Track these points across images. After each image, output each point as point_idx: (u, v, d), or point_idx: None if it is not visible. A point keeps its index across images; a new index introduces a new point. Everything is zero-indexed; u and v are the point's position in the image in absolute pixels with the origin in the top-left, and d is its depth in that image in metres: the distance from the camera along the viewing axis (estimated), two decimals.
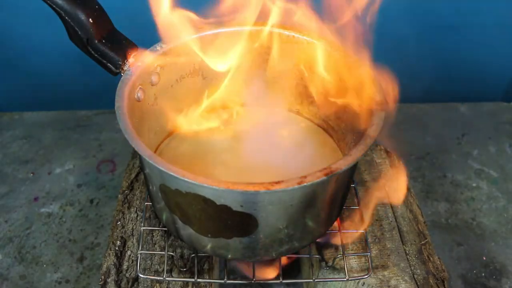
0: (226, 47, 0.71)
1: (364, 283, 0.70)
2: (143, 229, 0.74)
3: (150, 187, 0.63)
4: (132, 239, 0.74)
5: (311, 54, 0.69)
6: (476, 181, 1.15)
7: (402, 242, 0.75)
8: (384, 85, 0.60)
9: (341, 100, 0.68)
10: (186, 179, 0.50)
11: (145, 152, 0.52)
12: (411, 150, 1.21)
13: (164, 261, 0.69)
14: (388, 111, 0.57)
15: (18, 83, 1.28)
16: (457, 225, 1.05)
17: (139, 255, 0.69)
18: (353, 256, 0.71)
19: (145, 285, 0.68)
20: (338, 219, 0.72)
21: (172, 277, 0.69)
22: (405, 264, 0.72)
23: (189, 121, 0.76)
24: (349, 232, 0.72)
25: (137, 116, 0.62)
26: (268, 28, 0.69)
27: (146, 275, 0.69)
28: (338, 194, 0.63)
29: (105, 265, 0.71)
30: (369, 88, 0.61)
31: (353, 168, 0.65)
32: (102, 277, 0.70)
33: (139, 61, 0.64)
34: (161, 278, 0.67)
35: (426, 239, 0.76)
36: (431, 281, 0.70)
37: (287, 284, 0.91)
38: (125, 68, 0.62)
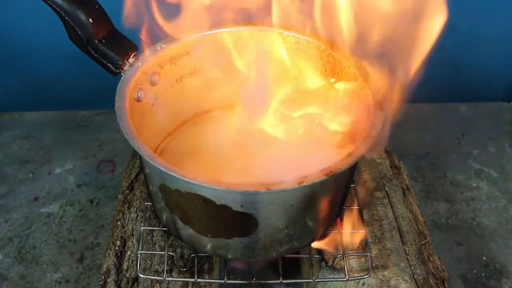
0: (226, 47, 0.71)
1: (364, 283, 0.70)
2: (143, 229, 0.74)
3: (150, 187, 0.63)
4: (132, 239, 0.74)
5: (311, 54, 0.69)
6: (476, 181, 1.15)
7: (402, 242, 0.75)
8: (385, 85, 0.60)
9: (341, 100, 0.68)
10: (186, 179, 0.50)
11: (145, 152, 0.52)
12: (411, 150, 1.21)
13: (164, 261, 0.69)
14: (391, 112, 0.57)
15: (18, 83, 1.28)
16: (457, 225, 1.05)
17: (139, 255, 0.69)
18: (353, 256, 0.71)
19: (145, 285, 0.68)
20: (338, 219, 0.72)
21: (172, 277, 0.69)
22: (405, 264, 0.72)
23: (190, 122, 0.76)
24: (349, 232, 0.72)
25: (137, 116, 0.62)
26: (269, 28, 0.69)
27: (146, 275, 0.69)
28: (338, 194, 0.63)
29: (105, 265, 0.71)
30: (369, 88, 0.61)
31: (353, 168, 0.65)
32: (102, 277, 0.70)
33: (139, 61, 0.64)
34: (161, 278, 0.67)
35: (426, 239, 0.76)
36: (431, 281, 0.70)
37: (287, 284, 0.91)
38: (125, 68, 0.62)
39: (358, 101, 0.64)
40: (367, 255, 0.70)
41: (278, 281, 0.68)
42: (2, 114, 1.31)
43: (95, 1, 0.61)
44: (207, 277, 0.70)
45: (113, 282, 0.69)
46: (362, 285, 0.70)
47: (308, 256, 0.71)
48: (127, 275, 0.70)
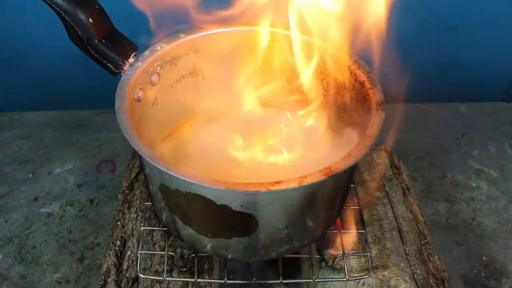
0: (227, 47, 0.71)
1: (364, 283, 0.70)
2: (143, 229, 0.74)
3: (150, 187, 0.63)
4: (132, 239, 0.74)
5: (311, 53, 0.69)
6: (476, 181, 1.15)
7: (402, 242, 0.75)
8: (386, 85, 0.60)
9: (341, 100, 0.68)
10: (186, 179, 0.50)
11: (145, 152, 0.52)
12: (411, 150, 1.21)
13: (164, 261, 0.69)
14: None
15: (18, 83, 1.28)
16: (457, 225, 1.05)
17: (139, 255, 0.69)
18: (353, 256, 0.71)
19: (145, 285, 0.68)
20: (338, 219, 0.72)
21: (172, 277, 0.69)
22: (405, 264, 0.72)
23: (190, 122, 0.76)
24: (349, 232, 0.72)
25: (137, 116, 0.62)
26: (269, 28, 0.69)
27: (146, 275, 0.69)
28: (338, 194, 0.63)
29: (105, 265, 0.71)
30: (369, 88, 0.61)
31: (353, 168, 0.65)
32: (102, 277, 0.70)
33: (139, 61, 0.64)
34: (161, 278, 0.67)
35: (426, 239, 0.76)
36: (431, 281, 0.70)
37: (287, 284, 0.91)
38: (125, 68, 0.62)
39: (357, 101, 0.64)
40: (367, 255, 0.70)
41: (278, 281, 0.68)
42: (2, 114, 1.31)
43: (95, 1, 0.61)
44: (207, 277, 0.70)
45: (113, 282, 0.69)
46: (362, 285, 0.70)
47: (308, 256, 0.71)
48: (127, 275, 0.70)
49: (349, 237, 0.73)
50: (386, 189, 0.83)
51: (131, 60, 0.63)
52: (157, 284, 0.68)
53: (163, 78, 0.68)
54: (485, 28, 1.21)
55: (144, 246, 0.72)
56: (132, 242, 0.74)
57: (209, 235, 0.60)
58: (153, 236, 0.74)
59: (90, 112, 1.32)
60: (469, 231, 1.04)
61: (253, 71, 0.75)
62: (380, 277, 0.70)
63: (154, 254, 0.71)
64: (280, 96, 0.78)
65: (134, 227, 0.76)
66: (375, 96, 0.60)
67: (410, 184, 0.86)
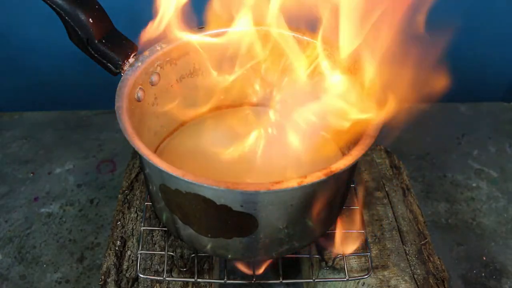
0: (227, 47, 0.71)
1: (364, 283, 0.70)
2: (143, 229, 0.74)
3: (150, 187, 0.63)
4: (132, 239, 0.74)
5: (311, 53, 0.69)
6: (476, 181, 1.15)
7: (402, 242, 0.75)
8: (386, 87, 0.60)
9: (341, 100, 0.68)
10: (186, 179, 0.50)
11: (145, 152, 0.52)
12: (411, 150, 1.21)
13: (164, 261, 0.69)
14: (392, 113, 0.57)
15: (18, 83, 1.28)
16: (457, 225, 1.05)
17: (139, 255, 0.69)
18: (353, 256, 0.71)
19: (145, 285, 0.68)
20: (338, 219, 0.72)
21: (172, 277, 0.69)
22: (405, 264, 0.72)
23: (190, 122, 0.76)
24: (349, 232, 0.72)
25: (137, 116, 0.62)
26: (269, 28, 0.69)
27: (146, 275, 0.69)
28: (338, 194, 0.63)
29: (105, 265, 0.71)
30: (369, 88, 0.61)
31: (353, 168, 0.65)
32: (102, 277, 0.70)
33: (139, 61, 0.64)
34: (161, 278, 0.67)
35: (426, 239, 0.76)
36: (431, 281, 0.70)
37: (287, 284, 0.91)
38: (125, 68, 0.62)
39: (358, 101, 0.63)
40: (367, 255, 0.70)
41: (278, 281, 0.68)
42: (2, 114, 1.31)
43: (95, 1, 0.61)
44: (207, 277, 0.70)
45: (113, 282, 0.69)
46: (362, 285, 0.70)
47: (308, 256, 0.71)
48: (127, 275, 0.70)
49: (349, 237, 0.73)
50: (386, 189, 0.83)
51: (131, 60, 0.63)
52: (157, 284, 0.68)
53: (163, 78, 0.68)
54: (485, 28, 1.21)
55: (144, 246, 0.73)
56: (132, 242, 0.74)
57: (209, 235, 0.60)
58: (153, 236, 0.74)
59: (90, 112, 1.32)
60: (469, 231, 1.04)
61: (253, 71, 0.75)
62: (380, 277, 0.70)
63: (154, 254, 0.71)
64: (279, 96, 0.77)
65: (134, 227, 0.76)
66: (375, 96, 0.60)
67: (410, 184, 0.86)
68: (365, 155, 0.57)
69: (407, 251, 0.73)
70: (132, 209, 0.79)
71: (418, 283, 0.69)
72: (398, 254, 0.73)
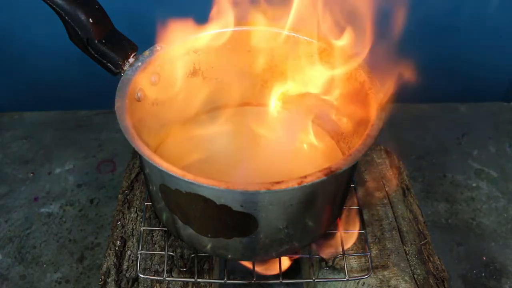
0: (227, 47, 0.71)
1: (364, 283, 0.70)
2: (143, 229, 0.74)
3: (150, 187, 0.63)
4: (132, 239, 0.74)
5: (311, 54, 0.69)
6: (476, 181, 1.15)
7: (402, 242, 0.75)
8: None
9: (341, 100, 0.68)
10: (186, 179, 0.50)
11: (145, 152, 0.52)
12: (411, 150, 1.21)
13: (164, 261, 0.69)
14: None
15: (18, 83, 1.28)
16: (457, 225, 1.05)
17: (139, 255, 0.69)
18: (353, 256, 0.71)
19: (145, 285, 0.68)
20: (338, 219, 0.72)
21: (172, 277, 0.69)
22: (405, 264, 0.72)
23: (190, 122, 0.76)
24: (349, 232, 0.72)
25: (137, 116, 0.62)
26: (268, 28, 0.69)
27: (146, 275, 0.69)
28: (338, 194, 0.63)
29: (105, 265, 0.71)
30: (369, 88, 0.61)
31: (353, 168, 0.65)
32: (102, 277, 0.70)
33: (139, 61, 0.64)
34: (161, 278, 0.67)
35: (426, 239, 0.76)
36: (431, 281, 0.70)
37: (287, 284, 0.91)
38: (125, 68, 0.62)
39: (358, 101, 0.64)
40: (367, 255, 0.70)
41: (278, 281, 0.68)
42: (2, 114, 1.31)
43: (95, 1, 0.61)
44: (207, 277, 0.70)
45: (113, 282, 0.69)
46: (362, 285, 0.70)
47: (308, 256, 0.71)
48: (127, 275, 0.70)
49: (349, 237, 0.73)
50: (386, 189, 0.83)
51: (131, 60, 0.63)
52: (157, 284, 0.68)
53: (163, 78, 0.68)
54: (485, 28, 1.21)
55: (144, 246, 0.73)
56: (132, 242, 0.74)
57: (209, 235, 0.60)
58: (153, 236, 0.74)
59: (90, 112, 1.32)
60: (469, 231, 1.04)
61: (252, 71, 0.75)
62: (380, 277, 0.70)
63: (154, 254, 0.71)
64: (279, 96, 0.78)
65: (134, 227, 0.76)
66: (375, 96, 0.60)
67: (410, 184, 0.86)
68: (365, 155, 0.57)
69: (407, 251, 0.73)
70: (132, 209, 0.79)
71: (418, 283, 0.69)
72: (398, 254, 0.73)
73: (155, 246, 0.73)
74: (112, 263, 0.71)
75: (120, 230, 0.76)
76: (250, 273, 0.68)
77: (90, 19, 0.58)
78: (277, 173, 0.56)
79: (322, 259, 0.71)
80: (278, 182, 0.49)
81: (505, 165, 1.19)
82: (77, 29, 0.58)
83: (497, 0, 1.17)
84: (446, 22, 1.19)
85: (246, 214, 0.54)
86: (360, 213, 0.75)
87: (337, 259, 0.70)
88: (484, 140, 1.25)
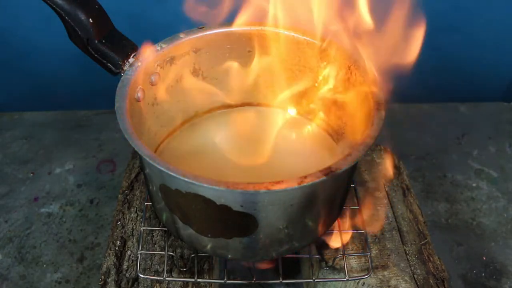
0: (227, 47, 0.71)
1: (364, 283, 0.70)
2: (143, 229, 0.74)
3: (150, 187, 0.63)
4: (132, 239, 0.74)
5: (311, 53, 0.69)
6: (476, 181, 1.15)
7: (402, 242, 0.75)
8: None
9: (341, 100, 0.68)
10: (186, 179, 0.50)
11: (145, 152, 0.52)
12: (411, 150, 1.21)
13: (164, 261, 0.69)
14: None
15: (18, 83, 1.28)
16: (457, 225, 1.05)
17: (139, 255, 0.69)
18: (353, 256, 0.71)
19: (145, 285, 0.68)
20: (338, 219, 0.72)
21: (172, 277, 0.69)
22: (405, 264, 0.72)
23: (190, 122, 0.76)
24: (349, 232, 0.72)
25: (137, 116, 0.62)
26: (268, 28, 0.69)
27: (146, 275, 0.69)
28: (338, 194, 0.63)
29: (105, 265, 0.71)
30: (369, 87, 0.61)
31: (353, 168, 0.65)
32: (102, 277, 0.70)
33: (139, 61, 0.64)
34: (161, 278, 0.67)
35: (426, 239, 0.76)
36: (431, 281, 0.70)
37: (287, 284, 0.91)
38: (125, 68, 0.62)
39: (358, 101, 0.64)
40: (367, 255, 0.70)
41: (278, 281, 0.68)
42: (2, 114, 1.31)
43: (95, 1, 0.61)
44: (207, 277, 0.70)
45: (113, 282, 0.69)
46: (362, 285, 0.70)
47: (308, 256, 0.71)
48: (127, 275, 0.70)
49: (349, 237, 0.73)
50: (386, 189, 0.83)
51: (131, 60, 0.63)
52: (157, 284, 0.68)
53: (163, 78, 0.68)
54: (485, 28, 1.21)
55: (144, 246, 0.73)
56: (132, 242, 0.74)
57: (209, 235, 0.60)
58: (153, 236, 0.74)
59: (90, 112, 1.32)
60: (469, 231, 1.04)
61: (253, 70, 0.75)
62: (380, 277, 0.70)
63: (154, 254, 0.71)
64: (279, 96, 0.78)
65: (134, 227, 0.76)
66: (375, 96, 0.60)
67: (410, 184, 0.86)
68: (365, 155, 0.57)
69: (407, 251, 0.73)
70: (132, 209, 0.79)
71: (418, 283, 0.69)
72: (398, 254, 0.73)
73: (155, 246, 0.73)
74: (112, 263, 0.71)
75: (120, 230, 0.76)
76: (250, 273, 0.68)
77: (90, 19, 0.58)
78: (277, 173, 0.56)
79: (322, 259, 0.71)
80: (278, 182, 0.49)
81: (505, 165, 1.19)
82: (77, 29, 0.58)
83: (497, 0, 1.17)
84: (446, 22, 1.19)
85: (246, 214, 0.54)
86: (360, 213, 0.75)
87: (337, 259, 0.70)
88: (484, 140, 1.25)
